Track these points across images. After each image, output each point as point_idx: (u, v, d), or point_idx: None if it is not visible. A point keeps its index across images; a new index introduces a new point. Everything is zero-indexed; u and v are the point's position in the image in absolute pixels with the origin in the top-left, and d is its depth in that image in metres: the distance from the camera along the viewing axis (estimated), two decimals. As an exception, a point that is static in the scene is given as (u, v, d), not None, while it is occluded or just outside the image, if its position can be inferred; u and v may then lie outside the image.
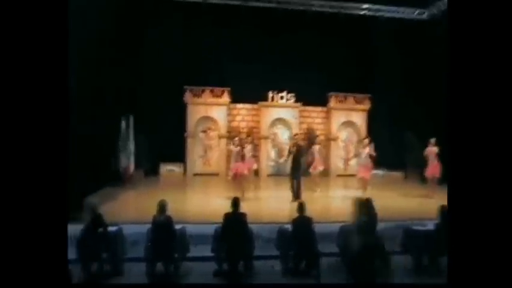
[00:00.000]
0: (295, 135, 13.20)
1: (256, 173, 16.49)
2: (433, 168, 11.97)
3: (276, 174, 16.69)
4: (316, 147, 12.86)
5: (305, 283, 6.39)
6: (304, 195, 10.76)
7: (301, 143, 12.17)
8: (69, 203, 7.95)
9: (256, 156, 16.62)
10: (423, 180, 13.04)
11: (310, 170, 12.82)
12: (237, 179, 11.61)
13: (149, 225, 6.52)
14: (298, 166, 11.30)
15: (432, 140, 12.12)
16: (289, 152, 11.74)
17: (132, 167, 13.95)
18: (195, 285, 6.28)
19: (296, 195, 10.95)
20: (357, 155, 12.43)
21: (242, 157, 11.80)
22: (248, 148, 12.37)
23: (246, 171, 11.78)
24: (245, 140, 12.68)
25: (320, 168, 12.91)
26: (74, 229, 6.63)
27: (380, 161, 14.40)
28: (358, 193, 11.30)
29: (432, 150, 12.02)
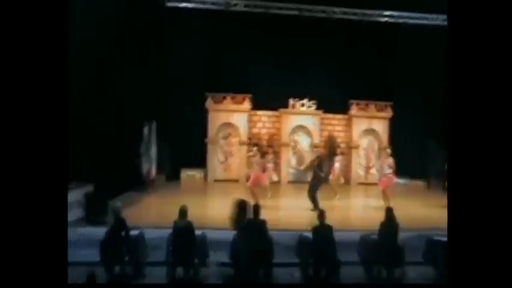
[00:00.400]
0: (315, 146, 13.11)
1: (277, 180, 16.52)
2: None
3: (296, 181, 16.63)
4: (336, 158, 12.92)
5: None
6: (324, 204, 10.72)
7: (323, 154, 12.09)
8: (93, 207, 8.17)
9: (276, 164, 16.71)
10: (445, 189, 12.80)
11: (330, 177, 12.76)
12: (255, 187, 11.48)
13: (170, 230, 6.61)
14: (318, 180, 11.21)
15: None
16: (311, 166, 11.71)
17: (154, 171, 14.14)
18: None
19: (315, 205, 10.82)
20: (378, 167, 12.21)
21: (263, 167, 11.85)
22: (269, 158, 12.43)
23: (265, 182, 11.85)
24: (266, 149, 12.73)
25: (341, 179, 13.01)
26: (99, 232, 6.80)
27: (402, 169, 14.26)
28: (380, 203, 11.24)
29: None
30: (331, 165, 12.91)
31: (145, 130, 13.79)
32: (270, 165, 12.59)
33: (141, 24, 13.24)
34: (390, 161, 11.65)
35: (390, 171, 11.62)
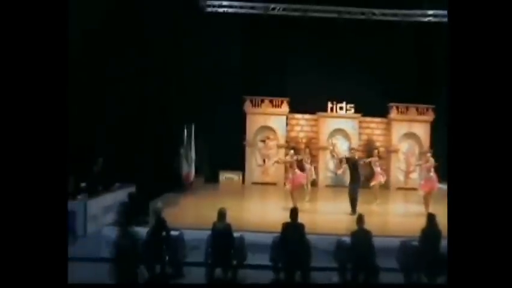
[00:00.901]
0: (351, 149, 13.07)
1: (314, 183, 16.43)
2: None
3: (335, 185, 16.50)
4: (373, 159, 12.67)
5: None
6: (364, 208, 10.57)
7: (356, 156, 11.85)
8: (136, 207, 8.43)
9: (314, 167, 16.62)
10: None
11: (371, 183, 12.68)
12: (294, 189, 11.41)
13: (208, 231, 6.73)
14: (355, 179, 11.12)
15: None
16: (340, 163, 11.88)
17: (193, 174, 14.40)
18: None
19: (353, 208, 10.78)
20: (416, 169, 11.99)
21: (300, 168, 11.87)
22: (305, 159, 12.50)
23: (303, 181, 11.80)
24: (303, 150, 12.76)
25: (381, 180, 12.74)
26: (141, 231, 7.01)
27: (444, 174, 13.81)
28: (420, 209, 10.99)
29: None
30: (370, 169, 12.84)
31: (185, 133, 14.08)
32: (308, 166, 12.57)
33: (182, 29, 13.55)
34: (431, 164, 11.34)
35: (431, 175, 11.33)
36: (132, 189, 9.80)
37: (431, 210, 8.88)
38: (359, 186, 11.17)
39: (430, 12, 16.54)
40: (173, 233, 6.94)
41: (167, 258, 6.69)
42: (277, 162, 12.22)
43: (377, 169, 12.73)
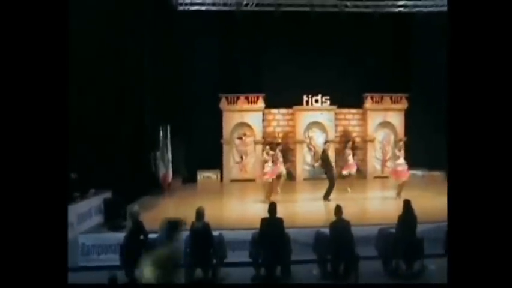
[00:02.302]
0: (326, 142, 13.51)
1: (292, 177, 16.49)
2: None
3: (312, 178, 16.59)
4: (346, 151, 13.33)
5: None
6: (341, 198, 10.69)
7: (330, 148, 12.90)
8: (113, 211, 8.28)
9: (291, 161, 16.70)
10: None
11: (343, 172, 13.33)
12: (265, 181, 12.01)
13: (187, 232, 6.66)
14: (327, 168, 12.01)
15: None
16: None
17: (170, 175, 14.25)
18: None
19: (326, 195, 11.55)
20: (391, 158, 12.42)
21: (274, 162, 12.20)
22: (277, 154, 12.77)
23: (272, 175, 12.03)
24: (275, 146, 13.20)
25: (352, 170, 13.31)
26: (119, 236, 6.90)
27: (419, 161, 14.10)
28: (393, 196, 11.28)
29: None
30: (344, 159, 13.49)
31: (161, 134, 13.92)
32: (279, 160, 12.84)
33: (154, 29, 13.38)
34: (402, 153, 12.06)
35: (401, 162, 11.88)
36: (108, 194, 9.64)
37: (406, 196, 8.99)
38: (331, 175, 11.82)
39: (400, 3, 16.74)
40: (151, 235, 6.84)
41: (146, 261, 6.58)
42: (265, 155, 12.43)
43: (349, 160, 13.22)
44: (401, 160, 12.07)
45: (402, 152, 11.95)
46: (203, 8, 16.45)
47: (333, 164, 12.58)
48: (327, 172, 12.04)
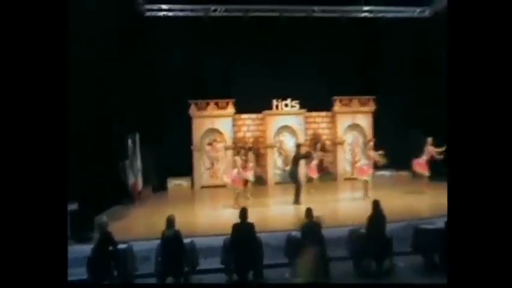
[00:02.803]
0: (297, 145, 13.62)
1: (263, 182, 16.52)
2: (422, 166, 12.70)
3: (283, 182, 16.63)
4: (314, 155, 13.97)
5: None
6: (312, 200, 10.77)
7: (300, 151, 13.02)
8: (79, 223, 8.06)
9: (262, 166, 16.73)
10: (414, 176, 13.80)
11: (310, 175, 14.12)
12: (234, 185, 12.13)
13: (158, 241, 6.57)
14: (293, 173, 12.27)
15: (429, 139, 12.66)
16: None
17: (140, 183, 14.03)
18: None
19: (295, 199, 11.83)
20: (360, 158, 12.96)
21: (243, 167, 12.30)
22: (249, 159, 12.95)
23: (240, 181, 12.14)
24: (246, 151, 13.46)
25: (313, 175, 14.05)
26: (86, 249, 6.73)
27: (387, 161, 14.34)
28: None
29: (428, 149, 12.52)
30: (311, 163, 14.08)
31: (129, 143, 13.69)
32: (250, 165, 12.86)
33: (121, 35, 13.16)
34: (371, 153, 12.50)
35: (367, 162, 12.45)
36: (74, 206, 9.37)
37: (375, 196, 9.15)
38: (297, 179, 12.23)
39: (366, 8, 17.09)
40: (121, 246, 6.71)
41: (115, 273, 6.44)
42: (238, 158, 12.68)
43: (313, 163, 13.86)
44: (366, 160, 12.54)
45: (373, 152, 12.31)
46: (170, 13, 16.35)
47: (299, 168, 12.89)
48: (291, 177, 12.34)
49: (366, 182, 12.45)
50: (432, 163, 12.72)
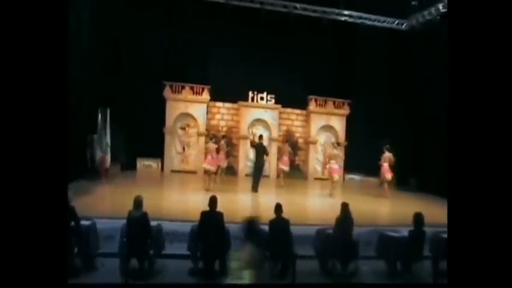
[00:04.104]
0: (260, 136, 13.91)
1: (234, 172, 16.49)
2: (385, 171, 13.25)
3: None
4: (285, 149, 14.98)
5: (282, 284, 6.38)
6: (281, 198, 10.77)
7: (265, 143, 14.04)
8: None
9: (234, 156, 16.68)
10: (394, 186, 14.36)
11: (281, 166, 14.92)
12: (206, 173, 12.79)
13: (123, 220, 6.40)
14: (259, 163, 12.98)
15: (387, 146, 13.30)
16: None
17: (108, 160, 13.67)
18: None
19: (254, 187, 12.55)
20: (331, 158, 13.41)
21: (217, 152, 12.76)
22: (222, 145, 13.40)
23: (213, 165, 12.60)
24: (220, 138, 13.79)
25: (284, 168, 14.75)
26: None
27: (357, 166, 14.66)
28: (336, 198, 11.64)
29: (386, 156, 13.14)
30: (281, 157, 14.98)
31: (99, 117, 13.29)
32: (222, 153, 13.41)
33: (99, 10, 12.70)
34: (337, 153, 13.37)
35: (338, 163, 13.21)
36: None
37: (344, 199, 9.24)
38: (260, 169, 13.00)
39: (346, 12, 17.21)
40: (84, 222, 6.50)
41: (76, 250, 6.24)
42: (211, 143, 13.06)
43: (284, 158, 14.60)
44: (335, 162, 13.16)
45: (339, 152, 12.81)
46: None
47: (265, 158, 13.52)
48: (256, 162, 12.98)
49: (334, 181, 12.92)
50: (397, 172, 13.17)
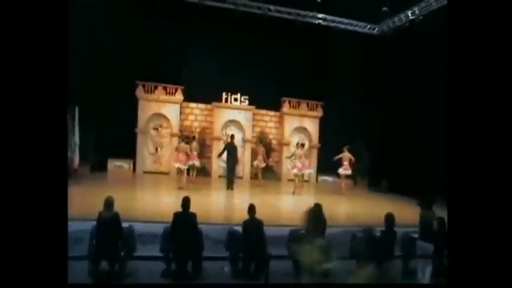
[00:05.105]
0: (231, 136, 14.46)
1: (207, 173, 16.38)
2: (345, 169, 14.16)
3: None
4: (261, 151, 15.48)
5: (255, 284, 6.37)
6: (255, 199, 10.77)
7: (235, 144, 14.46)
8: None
9: (207, 157, 16.58)
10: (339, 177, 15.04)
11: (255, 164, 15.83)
12: (178, 173, 13.33)
13: (93, 222, 6.24)
14: (231, 162, 13.68)
15: (346, 147, 14.19)
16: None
17: (77, 160, 13.33)
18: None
19: (230, 185, 13.28)
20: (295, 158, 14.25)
21: (185, 152, 12.98)
22: (193, 146, 13.51)
23: (182, 163, 12.91)
24: (191, 140, 13.81)
25: (260, 164, 15.46)
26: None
27: (330, 168, 14.83)
28: (308, 198, 11.69)
29: (346, 155, 14.07)
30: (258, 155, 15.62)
31: (68, 115, 12.92)
32: (194, 153, 13.62)
33: (72, 7, 12.38)
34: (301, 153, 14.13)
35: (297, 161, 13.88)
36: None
37: (317, 200, 9.31)
38: (235, 170, 13.97)
39: (320, 15, 17.40)
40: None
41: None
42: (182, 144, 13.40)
43: (259, 157, 15.32)
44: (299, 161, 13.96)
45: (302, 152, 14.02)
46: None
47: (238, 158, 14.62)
48: (228, 162, 13.69)
49: (298, 180, 13.83)
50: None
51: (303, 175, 14.51)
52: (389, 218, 6.93)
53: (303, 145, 14.97)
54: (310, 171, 15.20)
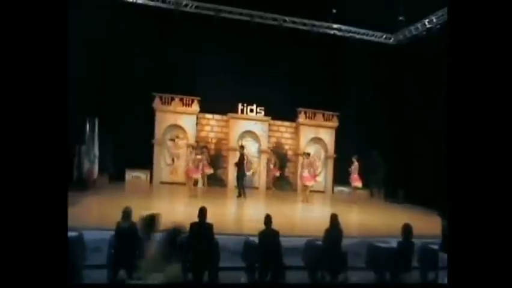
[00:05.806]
0: (241, 146, 15.20)
1: (223, 184, 16.43)
2: (355, 180, 14.31)
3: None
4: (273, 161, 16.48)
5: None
6: (271, 210, 10.78)
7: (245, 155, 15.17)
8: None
9: (223, 168, 16.67)
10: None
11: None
12: (188, 179, 13.92)
13: (111, 232, 6.34)
14: (240, 171, 14.36)
15: (355, 157, 14.27)
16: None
17: (96, 171, 13.55)
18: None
19: (241, 192, 13.82)
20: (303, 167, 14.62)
21: (197, 163, 13.55)
22: (204, 156, 14.13)
23: (196, 175, 13.61)
24: (202, 150, 14.41)
25: (275, 174, 16.54)
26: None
27: (346, 178, 14.76)
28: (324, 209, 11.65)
29: (355, 165, 14.22)
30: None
31: (87, 127, 13.19)
32: (204, 163, 14.27)
33: (87, 18, 12.70)
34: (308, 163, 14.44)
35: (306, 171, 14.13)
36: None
37: (333, 210, 9.27)
38: (244, 178, 14.49)
39: (335, 26, 17.45)
40: (71, 233, 6.41)
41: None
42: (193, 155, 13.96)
43: (270, 166, 16.26)
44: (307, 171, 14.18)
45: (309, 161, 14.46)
46: (140, 1, 15.99)
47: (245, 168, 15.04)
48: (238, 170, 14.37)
49: (307, 189, 14.12)
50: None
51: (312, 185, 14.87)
52: (407, 229, 6.88)
53: (308, 154, 15.01)
54: (312, 183, 15.02)
